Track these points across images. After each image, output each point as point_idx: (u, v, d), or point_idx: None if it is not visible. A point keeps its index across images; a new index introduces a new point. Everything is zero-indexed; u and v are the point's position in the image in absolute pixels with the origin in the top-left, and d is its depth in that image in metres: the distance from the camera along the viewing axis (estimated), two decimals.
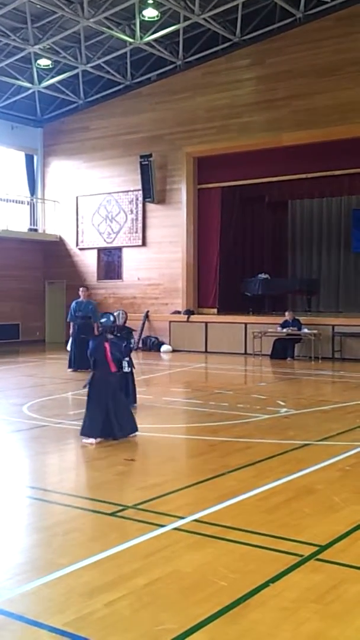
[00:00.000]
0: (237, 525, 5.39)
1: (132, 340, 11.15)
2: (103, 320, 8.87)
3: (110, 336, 8.75)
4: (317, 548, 4.94)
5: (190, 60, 21.70)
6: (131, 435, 8.65)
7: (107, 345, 8.60)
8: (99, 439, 8.41)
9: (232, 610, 3.98)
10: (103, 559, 4.73)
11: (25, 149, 25.00)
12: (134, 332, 11.54)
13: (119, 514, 5.74)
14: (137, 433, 8.70)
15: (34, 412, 10.55)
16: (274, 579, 4.39)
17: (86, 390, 8.71)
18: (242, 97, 20.85)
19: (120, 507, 5.88)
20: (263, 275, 22.29)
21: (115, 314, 11.22)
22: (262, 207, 24.58)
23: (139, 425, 8.84)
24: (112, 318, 8.90)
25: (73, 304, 16.59)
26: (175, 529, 5.35)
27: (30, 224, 24.97)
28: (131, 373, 10.93)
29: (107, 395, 8.48)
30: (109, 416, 8.43)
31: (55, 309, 24.50)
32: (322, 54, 19.46)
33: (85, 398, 8.71)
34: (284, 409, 10.82)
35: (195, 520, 5.53)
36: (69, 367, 15.76)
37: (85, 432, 8.48)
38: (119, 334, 10.80)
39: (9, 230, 23.41)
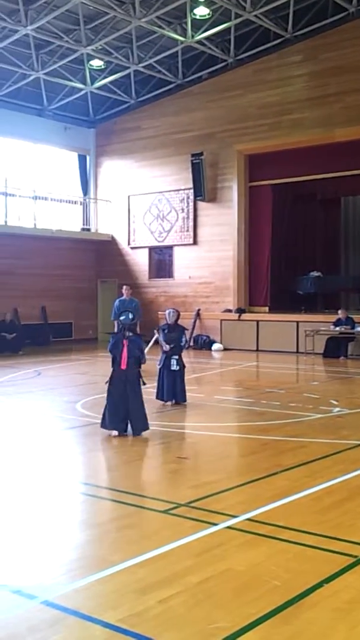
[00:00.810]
0: (290, 525, 5.35)
1: (184, 339, 11.20)
2: (122, 317, 8.98)
3: (129, 334, 8.87)
4: None
5: (242, 58, 21.63)
6: (143, 433, 8.75)
7: (125, 342, 8.77)
8: (116, 432, 8.66)
9: (285, 610, 3.96)
10: (156, 556, 4.75)
11: (78, 149, 25.27)
12: (186, 331, 11.56)
13: (171, 511, 5.76)
14: (147, 431, 8.80)
15: (87, 409, 10.66)
16: (327, 580, 4.35)
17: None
18: (293, 93, 20.69)
19: (173, 505, 5.90)
20: (315, 273, 22.08)
21: (166, 312, 11.31)
22: (314, 204, 24.34)
23: (190, 424, 8.89)
24: (130, 316, 8.96)
25: (116, 302, 16.62)
26: (228, 527, 5.35)
27: (83, 224, 25.26)
28: (180, 371, 10.98)
29: (125, 390, 8.71)
30: (128, 411, 8.69)
31: (107, 307, 24.54)
32: None
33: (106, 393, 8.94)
34: (337, 408, 10.71)
35: (248, 519, 5.51)
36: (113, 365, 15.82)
37: (105, 424, 8.74)
38: (166, 331, 10.90)
39: (63, 230, 23.73)
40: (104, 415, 8.85)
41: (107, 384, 8.92)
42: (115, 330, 16.04)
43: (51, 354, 20.11)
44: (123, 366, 8.75)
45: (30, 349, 20.87)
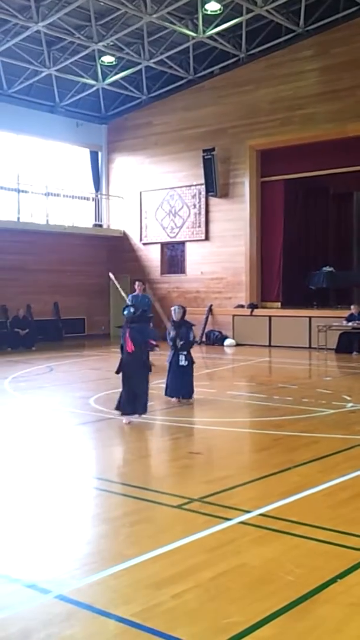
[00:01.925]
0: (303, 521, 5.35)
1: (192, 334, 11.13)
2: (125, 312, 9.72)
3: (131, 324, 9.57)
4: None
5: (253, 53, 21.55)
6: (137, 415, 9.37)
7: (128, 331, 9.48)
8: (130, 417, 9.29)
9: (299, 605, 3.96)
10: (169, 551, 4.76)
11: (90, 145, 25.29)
12: (194, 327, 11.53)
13: (185, 506, 5.77)
14: (143, 415, 9.40)
15: (100, 404, 10.69)
16: (341, 575, 4.34)
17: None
18: (305, 88, 20.60)
19: (186, 500, 5.91)
20: (328, 268, 21.97)
21: (171, 309, 11.33)
22: (326, 199, 24.26)
23: (202, 419, 8.94)
24: (132, 310, 9.67)
25: (129, 297, 16.62)
26: (241, 522, 5.35)
27: (95, 220, 25.30)
28: (189, 367, 10.91)
29: (130, 374, 9.38)
30: (132, 393, 9.35)
31: (119, 303, 24.65)
32: None
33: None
34: (350, 404, 10.68)
35: (261, 515, 5.51)
36: None
37: (122, 408, 9.31)
38: (177, 326, 10.88)
39: (75, 226, 23.77)
40: (120, 398, 9.37)
41: (118, 373, 9.50)
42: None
43: (64, 349, 20.17)
44: (129, 349, 9.34)
45: (43, 345, 20.94)
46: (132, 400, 9.28)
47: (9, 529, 5.41)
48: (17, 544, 5.07)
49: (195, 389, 11.17)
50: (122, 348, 9.53)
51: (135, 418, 9.27)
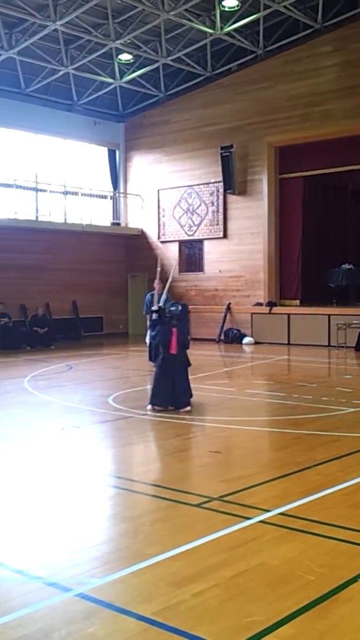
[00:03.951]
0: (324, 520, 5.32)
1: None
2: (173, 308, 10.09)
3: (176, 322, 9.97)
4: None
5: (271, 49, 21.45)
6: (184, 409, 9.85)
7: (174, 330, 9.91)
8: (161, 407, 9.88)
9: (320, 604, 3.94)
10: (190, 550, 4.76)
11: (108, 144, 25.32)
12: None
13: (204, 505, 5.76)
14: (189, 408, 9.88)
15: (119, 403, 10.70)
16: None
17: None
18: (324, 84, 20.48)
19: (206, 499, 5.90)
20: (347, 266, 21.84)
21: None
22: (346, 196, 24.12)
23: (221, 418, 8.92)
24: (180, 307, 10.01)
25: (148, 296, 16.55)
26: (261, 521, 5.33)
27: (113, 218, 25.33)
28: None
29: (173, 372, 9.90)
30: (174, 390, 9.89)
31: (137, 301, 24.64)
32: None
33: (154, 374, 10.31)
34: None
35: (281, 514, 5.49)
36: (150, 359, 15.80)
37: (151, 401, 9.94)
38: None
39: (93, 224, 23.82)
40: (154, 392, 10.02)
41: (156, 367, 10.22)
42: (148, 323, 16.13)
43: (82, 348, 20.23)
44: (173, 350, 9.85)
45: (61, 343, 21.02)
46: (170, 396, 9.84)
47: (30, 527, 5.44)
48: (37, 542, 5.09)
49: (214, 387, 11.12)
50: (163, 345, 9.99)
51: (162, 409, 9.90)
